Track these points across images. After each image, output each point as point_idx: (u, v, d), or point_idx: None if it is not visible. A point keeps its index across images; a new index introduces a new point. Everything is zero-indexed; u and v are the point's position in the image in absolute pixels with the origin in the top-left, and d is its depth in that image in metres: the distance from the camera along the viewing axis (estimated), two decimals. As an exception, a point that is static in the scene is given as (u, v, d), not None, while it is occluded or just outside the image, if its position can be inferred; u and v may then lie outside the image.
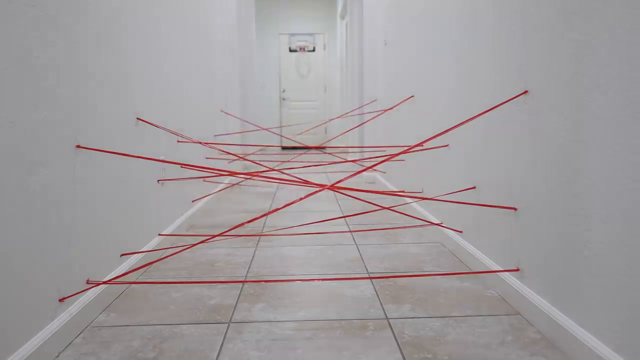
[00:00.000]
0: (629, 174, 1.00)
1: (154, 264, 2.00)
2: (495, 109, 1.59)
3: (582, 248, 1.17)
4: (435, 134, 1.82)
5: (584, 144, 1.15)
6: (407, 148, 1.95)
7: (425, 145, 2.05)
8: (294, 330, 1.39)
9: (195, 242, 1.85)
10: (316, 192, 1.73)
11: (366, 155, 4.27)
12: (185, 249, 1.85)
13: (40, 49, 1.24)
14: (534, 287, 1.41)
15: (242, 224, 1.85)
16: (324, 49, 8.77)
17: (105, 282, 1.55)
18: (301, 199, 1.83)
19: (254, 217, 1.82)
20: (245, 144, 4.16)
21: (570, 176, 1.21)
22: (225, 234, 1.70)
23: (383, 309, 1.52)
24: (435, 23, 2.37)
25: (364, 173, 4.24)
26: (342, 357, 1.23)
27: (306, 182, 2.32)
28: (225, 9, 4.28)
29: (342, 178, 1.80)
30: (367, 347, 1.28)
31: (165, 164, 2.22)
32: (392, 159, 1.89)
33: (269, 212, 1.74)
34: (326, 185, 1.72)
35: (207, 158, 3.21)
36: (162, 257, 2.05)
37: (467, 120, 1.75)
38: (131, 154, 1.78)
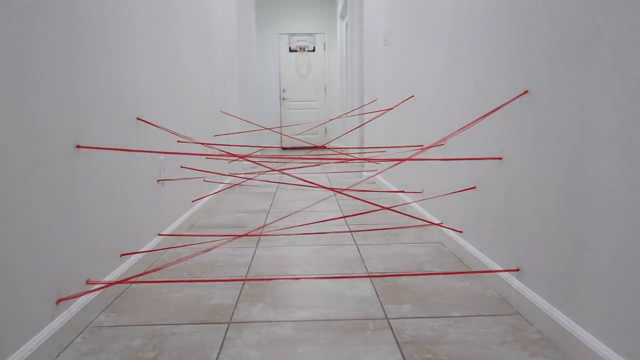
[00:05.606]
0: (631, 174, 1.00)
1: (154, 264, 2.00)
2: (495, 109, 1.59)
3: (582, 248, 1.17)
4: (437, 141, 1.82)
5: (585, 143, 1.15)
6: (407, 149, 1.95)
7: (425, 146, 2.05)
8: (294, 330, 1.39)
9: (195, 242, 1.84)
10: (325, 198, 1.73)
11: (366, 155, 4.26)
12: (185, 250, 1.85)
13: (40, 48, 1.24)
14: (534, 287, 1.41)
15: (249, 234, 1.85)
16: (324, 48, 8.77)
17: (105, 282, 1.55)
18: (308, 206, 1.83)
19: (254, 217, 1.82)
20: (245, 145, 4.16)
21: (571, 176, 1.21)
22: (225, 234, 1.70)
23: (383, 309, 1.52)
24: (435, 23, 2.37)
25: (363, 173, 4.23)
26: (342, 357, 1.23)
27: (307, 182, 2.32)
28: (226, 9, 4.28)
29: (343, 179, 1.80)
30: (367, 347, 1.28)
31: (165, 164, 2.22)
32: (395, 165, 1.90)
33: (277, 220, 1.74)
34: (326, 186, 1.72)
35: (207, 158, 3.21)
36: (162, 257, 2.05)
37: (467, 126, 1.75)
38: (131, 152, 1.78)
